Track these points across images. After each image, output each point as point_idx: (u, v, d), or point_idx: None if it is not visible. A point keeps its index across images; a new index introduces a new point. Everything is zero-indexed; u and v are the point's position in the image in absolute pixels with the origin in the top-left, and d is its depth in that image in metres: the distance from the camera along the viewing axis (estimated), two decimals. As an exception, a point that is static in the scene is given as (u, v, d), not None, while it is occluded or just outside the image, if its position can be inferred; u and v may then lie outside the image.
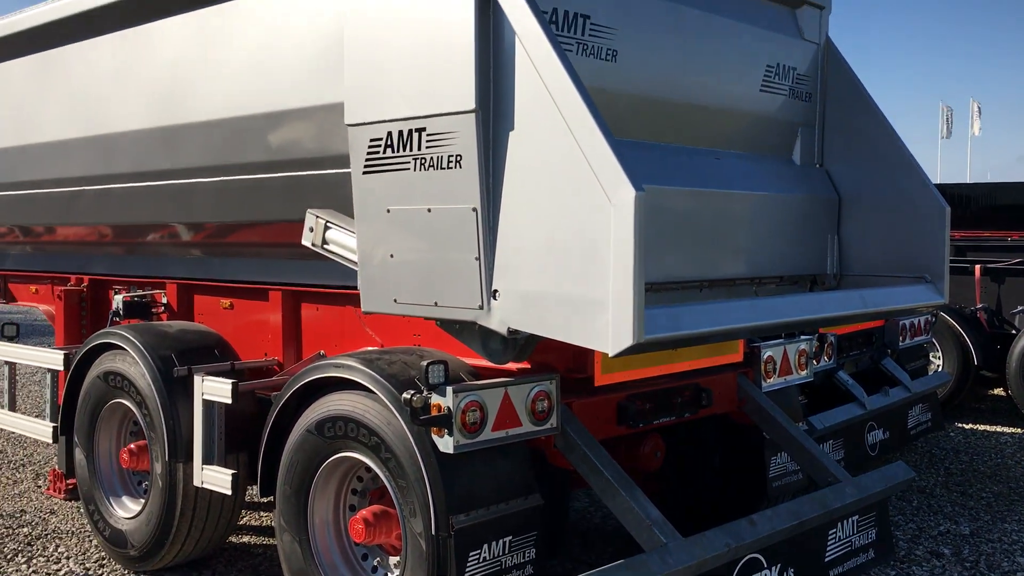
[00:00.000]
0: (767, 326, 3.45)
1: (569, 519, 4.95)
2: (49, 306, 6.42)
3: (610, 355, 2.82)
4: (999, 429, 8.14)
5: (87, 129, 4.93)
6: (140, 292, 5.44)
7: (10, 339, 5.79)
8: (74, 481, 5.84)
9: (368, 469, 3.77)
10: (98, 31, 4.75)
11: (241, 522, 5.42)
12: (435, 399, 3.23)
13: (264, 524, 5.47)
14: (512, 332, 3.16)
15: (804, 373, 4.78)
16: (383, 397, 3.44)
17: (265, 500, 5.60)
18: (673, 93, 3.82)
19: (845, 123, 4.56)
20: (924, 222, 4.30)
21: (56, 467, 5.99)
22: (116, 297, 5.36)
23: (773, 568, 3.65)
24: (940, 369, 8.58)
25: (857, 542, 4.12)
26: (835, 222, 4.55)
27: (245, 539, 5.21)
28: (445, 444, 3.23)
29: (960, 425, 8.28)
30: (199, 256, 5.14)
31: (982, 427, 8.23)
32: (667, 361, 4.00)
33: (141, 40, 4.53)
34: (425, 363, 3.25)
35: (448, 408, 3.21)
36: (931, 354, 8.64)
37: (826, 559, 3.94)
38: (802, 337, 4.84)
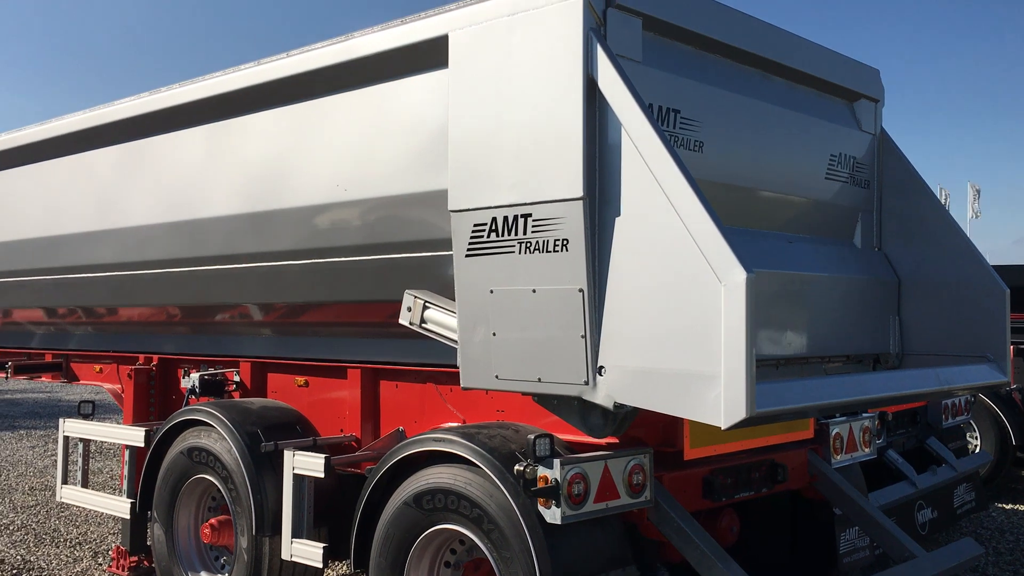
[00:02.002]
0: (862, 401, 3.61)
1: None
2: (114, 385, 6.58)
3: (723, 428, 2.97)
4: (1040, 509, 8.18)
5: (174, 214, 5.15)
6: (214, 370, 5.61)
7: (86, 417, 5.93)
8: (135, 559, 5.93)
9: (463, 541, 3.88)
10: (190, 123, 5.02)
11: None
12: (542, 471, 3.37)
13: (330, 601, 5.52)
14: (618, 406, 3.31)
15: (868, 450, 4.91)
16: (487, 470, 3.57)
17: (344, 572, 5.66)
18: (750, 181, 4.06)
19: (901, 208, 4.79)
20: (983, 303, 4.48)
21: (119, 544, 6.06)
22: (192, 375, 5.52)
23: (858, 641, 3.72)
24: (978, 449, 8.67)
25: (933, 617, 4.19)
26: (895, 303, 4.73)
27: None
28: (552, 515, 3.36)
29: (1000, 505, 8.32)
30: (275, 335, 5.32)
31: (1022, 507, 8.27)
32: (748, 437, 4.15)
33: (235, 131, 4.79)
34: (532, 436, 3.40)
35: (555, 480, 3.34)
36: (968, 434, 8.74)
37: (905, 633, 4.01)
38: (864, 415, 4.98)
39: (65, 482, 5.97)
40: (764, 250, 3.98)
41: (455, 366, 4.15)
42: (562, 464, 3.35)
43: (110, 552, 6.47)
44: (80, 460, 5.88)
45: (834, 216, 4.60)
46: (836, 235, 4.64)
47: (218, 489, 4.89)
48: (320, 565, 4.26)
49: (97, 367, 6.76)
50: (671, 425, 3.88)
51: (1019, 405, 8.80)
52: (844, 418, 4.83)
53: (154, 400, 6.11)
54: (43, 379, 7.31)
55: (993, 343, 4.46)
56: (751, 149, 4.07)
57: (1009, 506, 8.31)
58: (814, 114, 4.46)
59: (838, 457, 4.67)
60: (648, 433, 3.86)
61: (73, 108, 5.84)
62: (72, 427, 5.91)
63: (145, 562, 6.03)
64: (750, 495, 4.23)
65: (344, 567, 6.09)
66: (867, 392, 3.61)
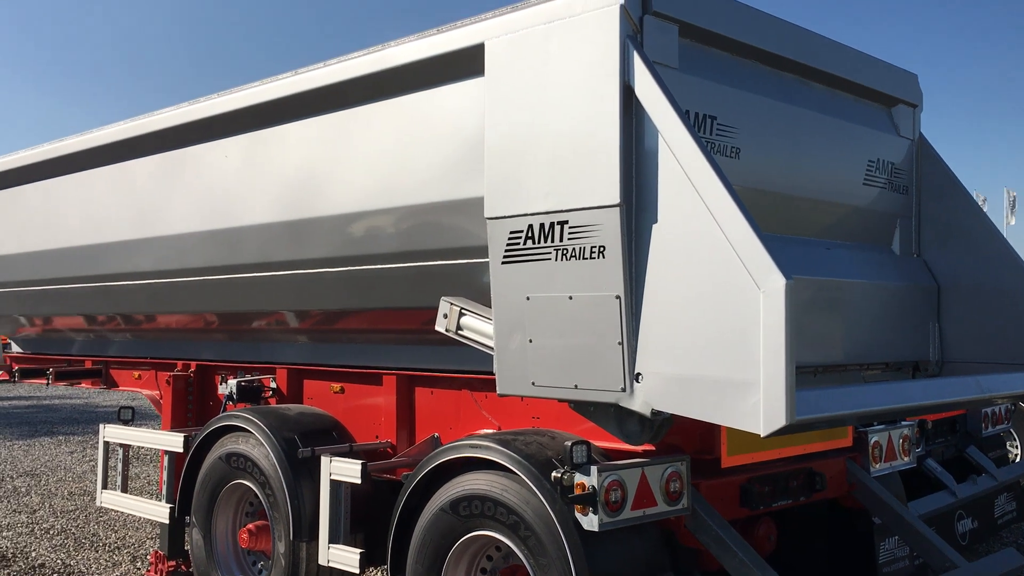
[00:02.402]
0: (902, 409, 3.57)
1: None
2: (153, 391, 6.66)
3: (762, 436, 2.95)
4: (1084, 520, 8.01)
5: (212, 223, 5.22)
6: (251, 377, 5.66)
7: (126, 422, 6.01)
8: (173, 563, 5.99)
9: (499, 548, 3.89)
10: (228, 132, 5.08)
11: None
12: (579, 478, 3.37)
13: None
14: (655, 413, 3.30)
15: (908, 459, 4.85)
16: (523, 477, 3.57)
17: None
18: (787, 187, 4.04)
19: (940, 214, 4.74)
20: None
21: (157, 549, 6.12)
22: (230, 381, 5.58)
23: (900, 652, 3.68)
24: (1018, 458, 8.53)
25: (974, 628, 4.13)
26: (935, 310, 4.68)
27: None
28: (590, 522, 3.35)
29: (1042, 516, 8.16)
30: (311, 341, 5.37)
31: (1066, 518, 8.11)
32: (785, 445, 4.12)
33: (272, 140, 4.84)
34: (569, 443, 3.40)
35: (593, 487, 3.34)
36: (1008, 443, 8.60)
37: (947, 644, 3.95)
38: (903, 423, 4.93)
39: (105, 487, 6.05)
40: (802, 256, 3.96)
41: (490, 373, 4.15)
42: (599, 471, 3.35)
43: (148, 556, 6.54)
44: (119, 465, 5.96)
45: (872, 222, 4.57)
46: (874, 241, 4.60)
47: (256, 494, 4.93)
48: (356, 571, 4.28)
49: (136, 373, 6.85)
50: (708, 433, 3.86)
51: (1061, 414, 8.65)
52: (883, 426, 4.78)
53: (192, 406, 6.18)
54: (83, 385, 7.42)
55: (1036, 350, 4.40)
56: (788, 155, 4.05)
57: (1051, 517, 8.15)
58: (852, 119, 4.43)
59: (877, 466, 4.62)
60: (685, 440, 3.84)
61: (119, 117, 5.93)
62: (112, 432, 5.99)
63: (183, 566, 6.09)
64: (788, 504, 4.20)
65: (380, 573, 6.12)
66: (907, 400, 3.57)
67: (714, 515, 3.67)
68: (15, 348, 8.25)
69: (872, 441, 4.62)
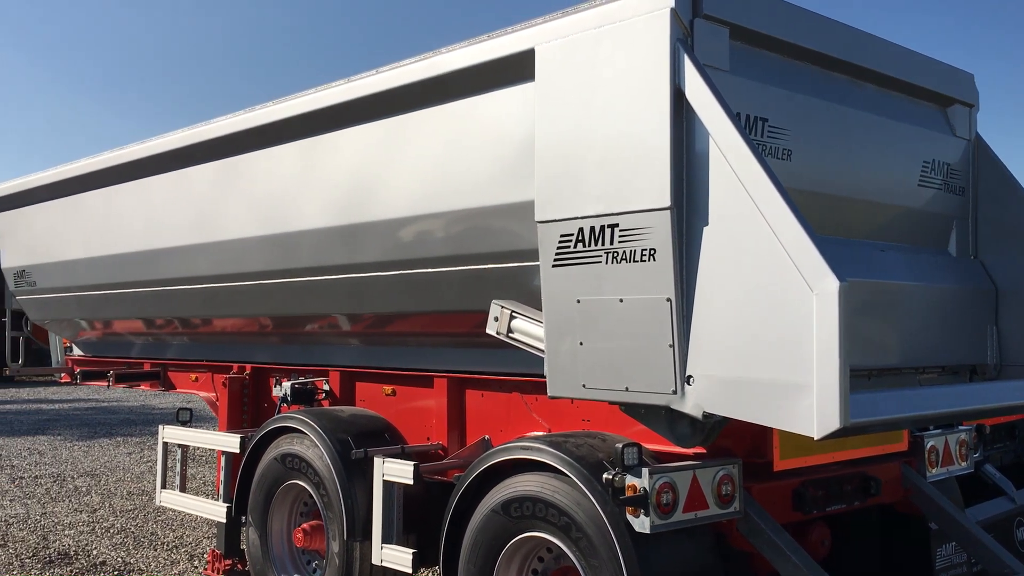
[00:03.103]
0: (958, 413, 3.53)
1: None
2: (209, 393, 6.80)
3: (815, 439, 2.93)
4: None
5: (268, 228, 5.32)
6: (304, 379, 5.76)
7: (184, 423, 6.14)
8: (229, 562, 6.10)
9: (550, 549, 3.91)
10: (283, 139, 5.18)
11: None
12: (631, 480, 3.38)
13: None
14: (707, 416, 3.30)
15: (965, 464, 4.77)
16: (575, 479, 3.59)
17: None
18: (840, 189, 4.00)
19: (998, 215, 4.66)
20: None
21: (214, 548, 6.25)
22: (284, 384, 5.68)
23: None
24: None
25: (1035, 637, 4.06)
26: (993, 312, 4.61)
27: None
28: (641, 524, 3.36)
29: (1107, 524, 7.96)
30: (363, 344, 5.45)
31: None
32: (839, 448, 4.08)
33: (326, 147, 4.92)
34: (620, 445, 3.41)
35: (644, 489, 3.35)
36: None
37: (1007, 653, 3.88)
38: (961, 428, 4.85)
39: (164, 486, 6.20)
40: (856, 258, 3.93)
41: (541, 375, 4.18)
42: (651, 473, 3.36)
43: (205, 555, 6.68)
44: (178, 465, 6.10)
45: (927, 224, 4.51)
46: (930, 243, 4.54)
47: (310, 494, 5.02)
48: (409, 570, 4.34)
49: (193, 376, 7.00)
50: (760, 436, 3.84)
51: (1126, 419, 8.42)
52: (940, 431, 4.71)
53: (247, 408, 6.30)
54: (142, 387, 7.60)
55: (1098, 354, 4.31)
56: (841, 156, 4.02)
57: (1116, 525, 7.94)
58: (905, 120, 4.38)
59: (933, 471, 4.55)
60: (736, 443, 3.83)
61: (170, 129, 6.08)
62: (171, 433, 6.13)
63: (239, 565, 6.21)
64: (842, 508, 4.16)
65: (431, 574, 6.17)
66: (963, 404, 3.53)
67: (767, 519, 3.65)
68: (76, 351, 8.48)
69: (928, 446, 4.55)
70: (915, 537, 4.61)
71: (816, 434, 2.93)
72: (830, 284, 2.90)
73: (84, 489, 9.41)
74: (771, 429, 3.84)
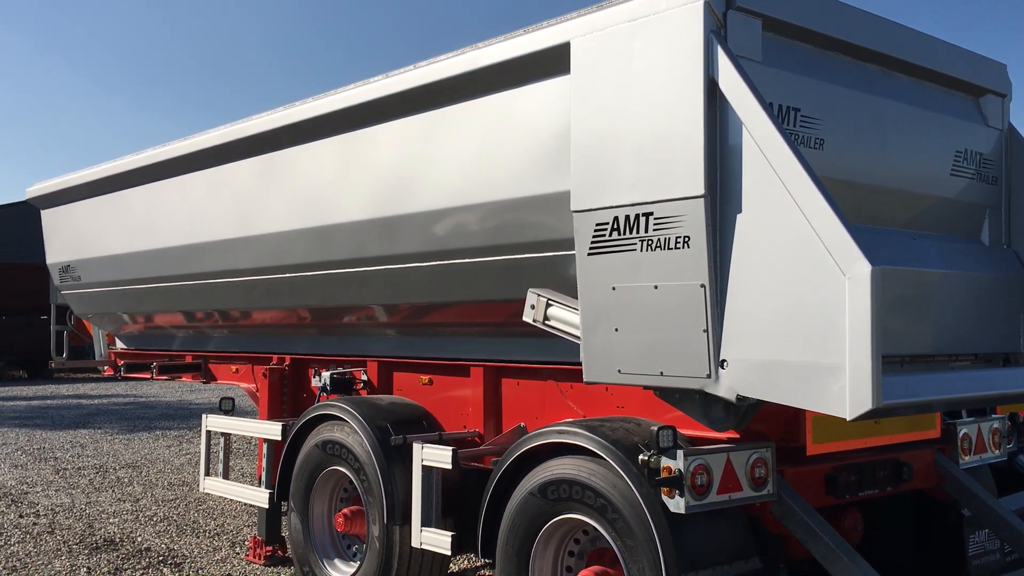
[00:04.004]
0: (991, 397, 3.58)
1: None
2: (250, 384, 6.97)
3: (848, 419, 3.00)
4: None
5: (308, 221, 5.45)
6: (342, 369, 5.89)
7: (227, 412, 6.30)
8: (271, 548, 6.25)
9: (587, 531, 4.00)
10: (323, 134, 5.31)
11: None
12: (666, 462, 3.46)
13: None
14: (741, 399, 3.38)
15: (998, 452, 4.80)
16: (611, 461, 3.68)
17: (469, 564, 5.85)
18: (873, 178, 4.05)
19: (1032, 205, 4.68)
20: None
21: (256, 535, 6.41)
22: (324, 374, 5.82)
23: (991, 643, 3.67)
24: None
25: (1068, 622, 4.08)
26: (1026, 301, 4.62)
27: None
28: (676, 505, 3.45)
29: None
30: (401, 335, 5.56)
31: None
32: (871, 434, 4.13)
33: (365, 141, 5.04)
34: (655, 428, 3.50)
35: (679, 470, 3.43)
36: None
37: (1041, 638, 3.92)
38: (994, 416, 4.87)
39: (208, 474, 6.36)
40: (888, 246, 3.97)
41: (576, 363, 4.27)
42: (686, 455, 3.44)
43: (246, 542, 6.84)
44: (221, 453, 6.25)
45: (960, 213, 4.54)
46: (963, 232, 4.57)
47: (350, 480, 5.15)
48: (449, 552, 4.44)
49: (233, 367, 7.17)
50: (793, 420, 3.91)
51: None
52: (972, 419, 4.74)
53: (286, 397, 6.45)
54: (183, 379, 7.78)
55: None
56: (873, 146, 4.07)
57: None
58: (938, 110, 4.42)
59: (966, 458, 4.59)
60: (769, 428, 3.90)
61: (208, 127, 6.23)
62: (215, 422, 6.29)
63: (279, 551, 6.37)
64: (874, 493, 4.21)
65: (464, 561, 6.28)
66: (995, 388, 3.58)
67: (800, 502, 3.72)
68: (119, 345, 8.68)
69: (961, 433, 4.58)
70: (948, 524, 4.65)
71: (848, 415, 3.00)
72: (862, 268, 2.97)
73: (126, 480, 9.63)
74: (804, 414, 3.91)
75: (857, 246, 3.00)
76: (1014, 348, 4.59)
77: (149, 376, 7.57)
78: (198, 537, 7.14)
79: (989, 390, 3.54)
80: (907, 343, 4.09)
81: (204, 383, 7.56)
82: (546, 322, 4.12)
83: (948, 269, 4.29)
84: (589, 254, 3.82)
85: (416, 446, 4.64)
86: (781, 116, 3.65)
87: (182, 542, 6.98)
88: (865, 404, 2.95)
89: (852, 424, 4.01)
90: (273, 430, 5.67)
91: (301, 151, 5.49)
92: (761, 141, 3.29)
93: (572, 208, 3.87)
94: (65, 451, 11.70)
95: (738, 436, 3.88)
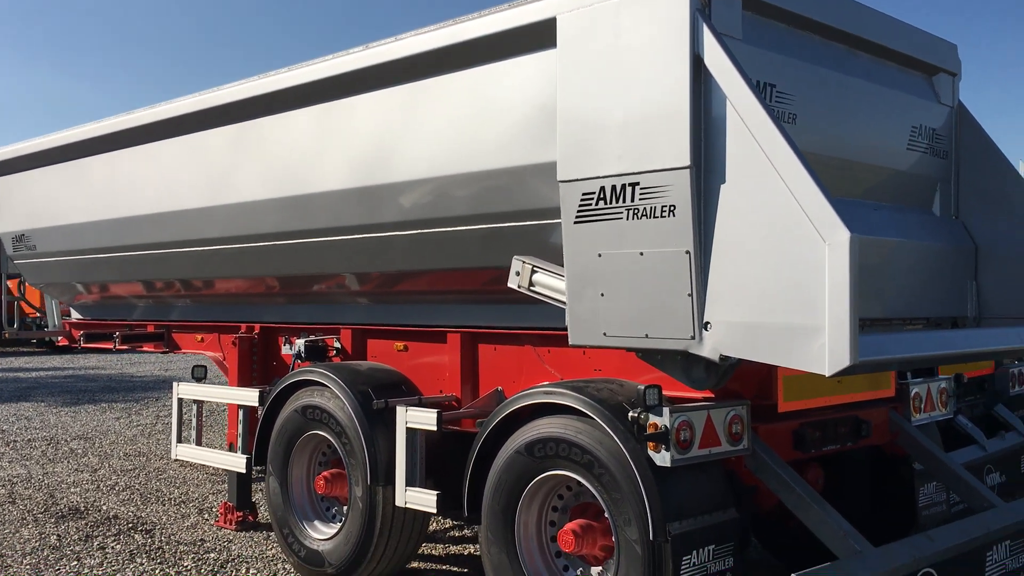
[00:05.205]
0: (960, 354, 3.87)
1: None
2: (216, 353, 7.00)
3: (827, 375, 3.23)
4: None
5: (284, 190, 5.51)
6: (314, 337, 5.98)
7: (199, 380, 6.34)
8: (241, 514, 6.34)
9: (570, 487, 4.20)
10: (302, 103, 5.36)
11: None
12: (653, 418, 3.67)
13: (429, 552, 5.87)
14: (723, 359, 3.59)
15: (946, 410, 5.13)
16: (598, 419, 3.87)
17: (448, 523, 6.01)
18: (840, 151, 4.29)
19: (979, 178, 4.99)
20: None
21: (226, 501, 6.48)
22: (297, 342, 5.90)
23: (943, 583, 3.97)
24: (1043, 419, 8.78)
25: (1010, 565, 4.42)
26: (972, 269, 4.94)
27: (415, 565, 5.62)
28: (662, 459, 3.66)
29: (1066, 474, 8.45)
30: (377, 303, 5.67)
31: (1088, 476, 8.41)
32: (835, 392, 4.41)
33: (347, 110, 5.11)
34: (642, 387, 3.70)
35: (665, 426, 3.64)
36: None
37: (985, 579, 4.24)
38: (941, 377, 5.20)
39: (180, 441, 6.40)
40: (853, 217, 4.19)
41: (553, 328, 4.46)
42: (671, 412, 3.65)
43: (214, 509, 6.90)
44: (193, 420, 6.30)
45: (915, 185, 4.82)
46: (916, 204, 4.86)
47: (329, 444, 5.26)
48: (434, 510, 4.60)
49: (199, 336, 7.18)
50: (766, 380, 4.15)
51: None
52: (922, 379, 5.06)
53: (256, 366, 6.51)
54: (145, 349, 7.76)
55: (1071, 307, 4.66)
56: (839, 121, 4.31)
57: (1074, 474, 8.44)
58: (896, 87, 4.68)
59: (918, 416, 4.90)
60: (744, 388, 4.13)
61: (137, 97, 6.21)
62: (187, 389, 6.33)
63: (251, 517, 6.46)
64: (836, 448, 4.49)
65: (435, 523, 6.46)
66: (958, 347, 3.86)
67: (773, 456, 3.96)
68: (74, 315, 8.60)
69: (913, 392, 4.89)
70: (900, 477, 4.97)
71: (828, 371, 3.22)
72: (842, 235, 3.19)
73: (80, 451, 9.56)
74: (776, 374, 4.15)
75: (837, 215, 3.22)
76: (961, 313, 4.92)
77: (111, 346, 7.53)
78: (164, 505, 7.18)
79: (954, 348, 3.82)
80: (866, 307, 4.35)
81: (166, 352, 7.55)
82: (531, 288, 4.28)
83: (904, 238, 4.57)
84: (575, 222, 3.99)
85: (400, 409, 4.78)
86: (759, 92, 3.84)
87: (148, 510, 7.01)
88: (843, 361, 3.18)
89: (819, 383, 4.30)
90: (250, 396, 5.74)
91: (277, 120, 5.53)
92: (745, 115, 3.48)
93: (559, 178, 4.03)
94: (11, 424, 11.52)
95: (712, 396, 4.11)
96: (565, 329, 4.15)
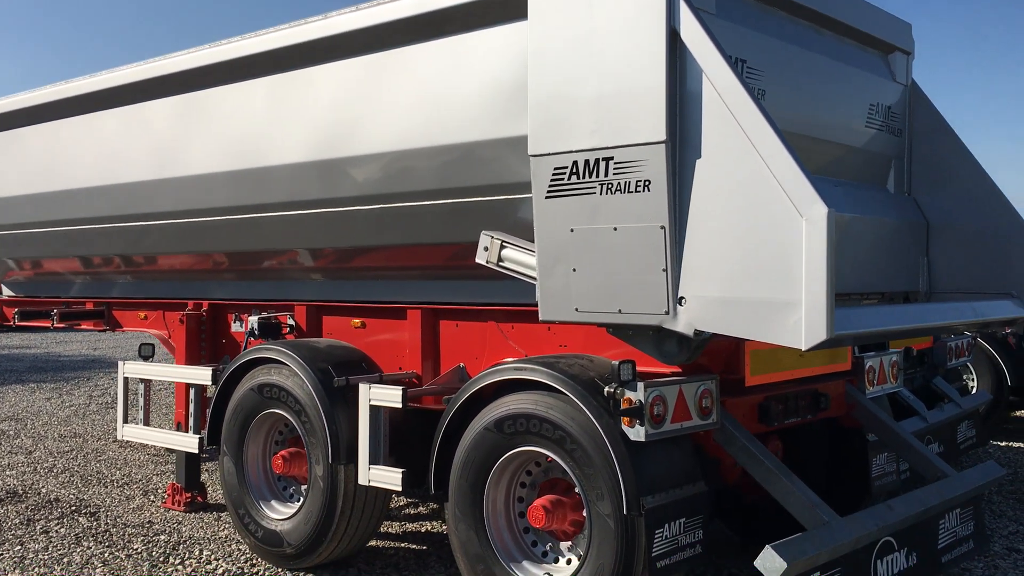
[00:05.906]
0: (928, 328, 3.98)
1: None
2: (161, 331, 6.79)
3: (803, 349, 3.27)
4: (1033, 446, 8.66)
5: (238, 163, 5.35)
6: (267, 313, 5.85)
7: (146, 359, 6.15)
8: (189, 495, 6.20)
9: (539, 463, 4.19)
10: (256, 74, 5.20)
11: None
12: (627, 393, 3.67)
13: (387, 530, 5.82)
14: (698, 333, 3.61)
15: (897, 383, 5.26)
16: (570, 395, 3.86)
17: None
18: (804, 128, 4.33)
19: (931, 156, 5.10)
20: (1009, 245, 4.81)
21: (173, 482, 6.32)
22: (250, 319, 5.76)
23: (902, 551, 4.08)
24: (975, 389, 9.12)
25: (960, 532, 4.57)
26: (924, 245, 5.06)
27: (374, 543, 5.57)
28: (636, 433, 3.67)
29: (995, 442, 8.79)
30: (331, 279, 5.56)
31: (1016, 444, 8.75)
32: (797, 366, 4.48)
33: (301, 82, 4.98)
34: (617, 363, 3.70)
35: (640, 401, 3.65)
36: (965, 376, 9.19)
37: (939, 546, 4.38)
38: (892, 351, 5.33)
39: (126, 421, 6.21)
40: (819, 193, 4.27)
41: (517, 304, 4.42)
42: (646, 387, 3.65)
43: (160, 490, 6.73)
44: (141, 400, 6.11)
45: (871, 163, 4.90)
46: (872, 180, 4.95)
47: (287, 422, 5.16)
48: (399, 488, 4.55)
49: (142, 314, 6.96)
50: (734, 355, 4.19)
51: (1014, 348, 9.24)
52: (875, 353, 5.18)
53: (205, 344, 6.34)
54: (84, 327, 7.50)
55: (1018, 281, 4.80)
56: (805, 98, 4.35)
57: (1003, 443, 8.78)
58: (855, 65, 4.74)
59: (871, 388, 5.02)
60: (712, 363, 4.16)
61: (57, 71, 5.98)
62: (133, 368, 6.13)
63: (199, 498, 6.32)
64: (797, 421, 4.57)
65: (397, 500, 6.40)
66: (928, 320, 3.95)
67: (741, 429, 4.01)
68: (6, 292, 8.26)
69: (867, 366, 5.00)
70: (855, 448, 5.08)
71: (804, 345, 3.26)
72: (819, 210, 3.22)
73: (12, 433, 9.23)
74: (743, 349, 4.19)
75: (814, 190, 3.25)
76: (913, 287, 5.03)
77: (48, 324, 7.26)
78: (106, 487, 6.97)
79: (920, 322, 3.91)
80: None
81: (107, 331, 7.31)
82: (500, 263, 4.24)
83: (860, 214, 4.65)
84: (547, 197, 3.95)
85: (363, 386, 4.70)
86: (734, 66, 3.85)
87: (90, 492, 6.81)
88: (820, 335, 3.22)
89: (783, 357, 4.36)
90: (203, 375, 5.59)
91: (229, 91, 5.37)
92: (722, 90, 3.48)
93: (530, 152, 3.98)
94: (-66, 406, 11.07)
95: (680, 370, 4.13)
96: (530, 305, 4.13)
